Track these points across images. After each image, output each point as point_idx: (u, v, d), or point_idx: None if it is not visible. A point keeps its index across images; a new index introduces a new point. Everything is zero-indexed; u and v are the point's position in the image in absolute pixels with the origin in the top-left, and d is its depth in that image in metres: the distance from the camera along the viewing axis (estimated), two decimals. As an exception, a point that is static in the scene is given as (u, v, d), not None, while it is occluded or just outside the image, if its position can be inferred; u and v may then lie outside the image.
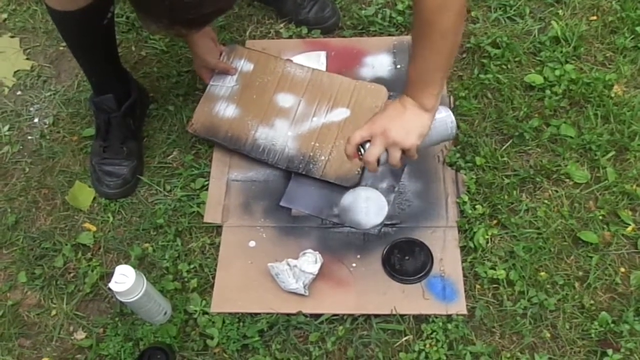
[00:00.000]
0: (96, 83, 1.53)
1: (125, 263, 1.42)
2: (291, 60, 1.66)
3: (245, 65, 1.63)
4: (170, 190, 1.54)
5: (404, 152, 1.20)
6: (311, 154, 1.50)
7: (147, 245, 1.47)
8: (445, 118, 1.24)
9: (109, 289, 1.25)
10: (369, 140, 1.21)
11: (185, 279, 1.42)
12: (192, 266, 1.43)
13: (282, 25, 1.78)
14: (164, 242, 1.46)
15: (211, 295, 1.38)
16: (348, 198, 1.46)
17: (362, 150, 1.22)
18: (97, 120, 1.55)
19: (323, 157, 1.49)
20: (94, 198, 1.55)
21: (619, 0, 1.74)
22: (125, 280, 1.22)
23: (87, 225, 1.51)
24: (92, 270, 1.44)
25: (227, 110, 1.57)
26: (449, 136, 1.27)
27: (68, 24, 1.36)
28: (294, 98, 1.58)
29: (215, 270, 1.42)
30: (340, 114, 1.55)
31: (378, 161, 1.22)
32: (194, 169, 1.55)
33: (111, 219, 1.51)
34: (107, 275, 1.42)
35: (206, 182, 1.53)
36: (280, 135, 1.53)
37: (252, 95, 1.59)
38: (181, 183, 1.54)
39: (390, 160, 1.22)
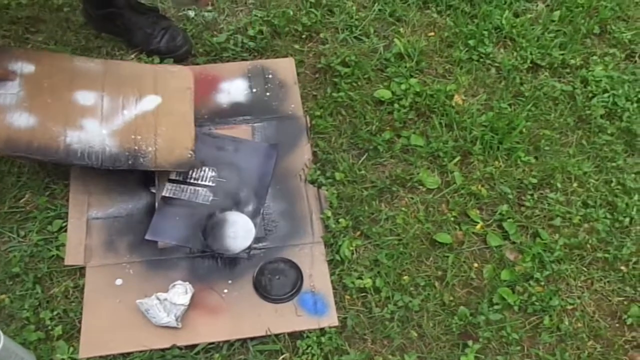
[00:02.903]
0: None
1: (-20, 319, 1.33)
2: (78, 55, 1.59)
3: (25, 68, 1.49)
4: (25, 236, 1.46)
5: None
6: (136, 147, 1.44)
7: (2, 296, 1.38)
8: None
9: (-38, 349, 1.16)
10: None
11: (49, 327, 1.35)
12: (55, 313, 1.36)
13: (133, 55, 1.75)
14: (22, 291, 1.39)
15: (79, 341, 1.33)
16: (215, 224, 1.46)
17: None
18: None
19: (150, 148, 1.44)
20: (-62, 252, 1.43)
21: (452, 17, 1.90)
22: (-21, 338, 1.14)
23: None
24: (-58, 331, 1.33)
25: (21, 120, 1.42)
26: None
27: None
28: (94, 94, 1.49)
29: (81, 314, 1.36)
30: (151, 101, 1.52)
31: None
32: (50, 211, 1.48)
33: (-40, 272, 1.41)
34: (-40, 335, 1.32)
35: (64, 224, 1.47)
36: (94, 136, 1.44)
37: (45, 99, 1.46)
38: (37, 227, 1.46)
39: None
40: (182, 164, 1.45)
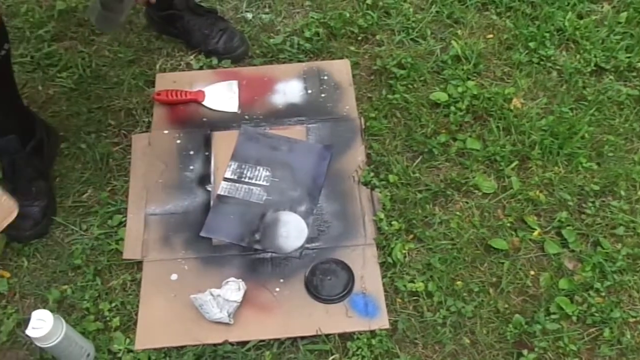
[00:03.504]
0: None
1: (43, 307, 1.37)
2: None
3: None
4: (87, 229, 1.51)
5: None
6: None
7: (65, 287, 1.43)
8: None
9: (27, 335, 1.20)
10: None
11: (107, 318, 1.39)
12: (113, 304, 1.40)
13: (192, 56, 1.79)
14: (83, 283, 1.43)
15: (135, 333, 1.36)
16: (268, 223, 1.48)
17: None
18: (2, 162, 1.50)
19: None
20: (7, 243, 1.49)
21: (512, 19, 1.86)
22: (42, 325, 1.19)
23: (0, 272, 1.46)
24: (8, 318, 1.39)
25: None
26: None
27: None
28: None
29: (137, 306, 1.40)
30: None
31: None
32: (110, 206, 1.53)
33: (26, 263, 1.46)
34: (25, 322, 1.37)
35: (124, 219, 1.51)
36: None
37: None
38: (98, 221, 1.51)
39: None
40: None
